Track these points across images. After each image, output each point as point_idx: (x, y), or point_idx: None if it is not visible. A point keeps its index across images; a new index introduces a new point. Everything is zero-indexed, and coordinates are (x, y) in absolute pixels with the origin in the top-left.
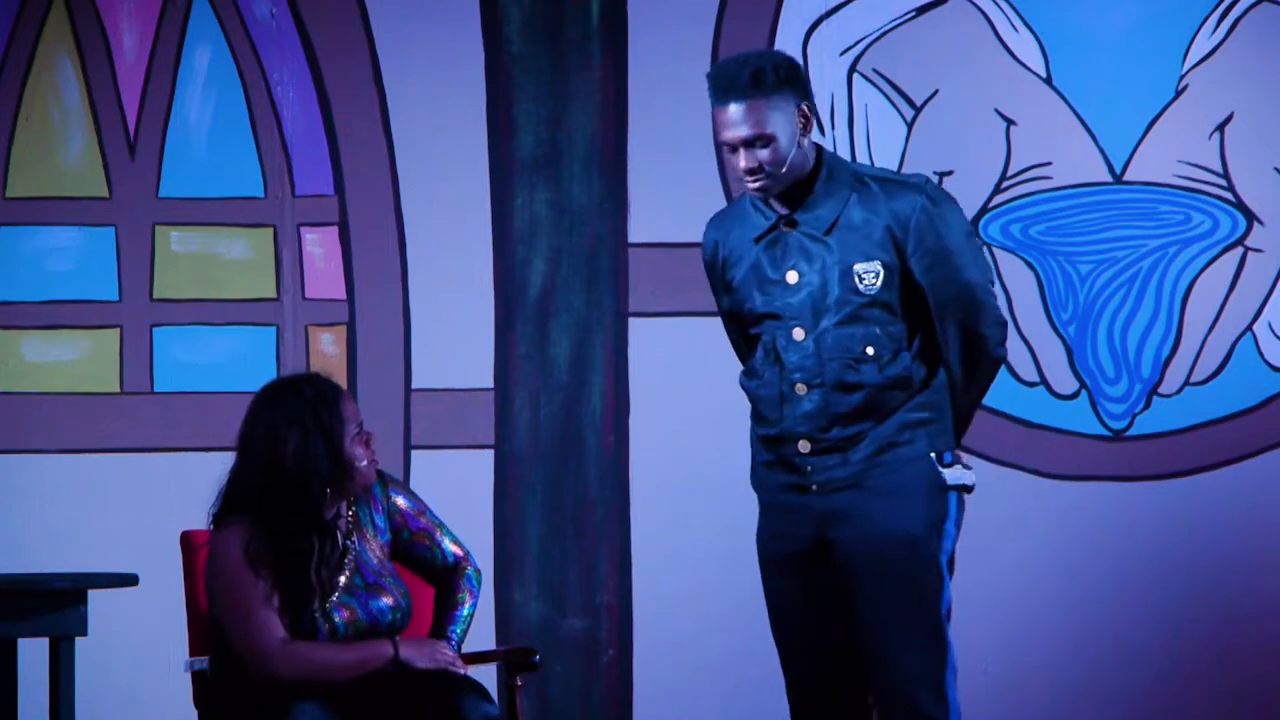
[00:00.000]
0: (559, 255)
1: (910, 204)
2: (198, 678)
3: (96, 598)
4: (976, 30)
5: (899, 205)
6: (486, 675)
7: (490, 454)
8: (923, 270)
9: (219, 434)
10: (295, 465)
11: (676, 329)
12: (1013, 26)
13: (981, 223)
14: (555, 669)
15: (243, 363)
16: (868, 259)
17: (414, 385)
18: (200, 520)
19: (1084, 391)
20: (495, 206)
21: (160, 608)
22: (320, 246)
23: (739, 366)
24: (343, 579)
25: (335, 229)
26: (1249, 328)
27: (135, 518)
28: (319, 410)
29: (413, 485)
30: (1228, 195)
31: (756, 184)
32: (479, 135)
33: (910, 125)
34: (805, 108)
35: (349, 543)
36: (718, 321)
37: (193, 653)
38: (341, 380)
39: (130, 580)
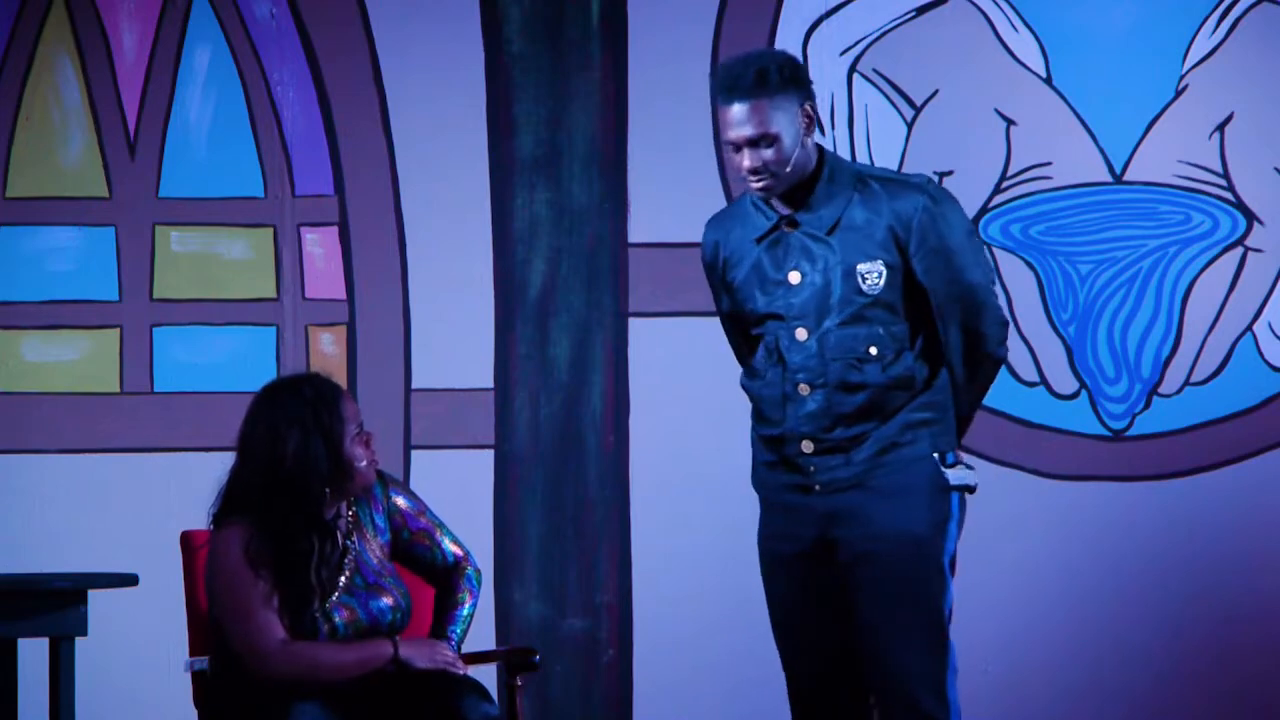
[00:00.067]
0: (559, 255)
1: (913, 204)
2: (198, 678)
3: (96, 598)
4: (976, 30)
5: (901, 205)
6: (486, 675)
7: (490, 454)
8: (925, 270)
9: (219, 434)
10: (295, 465)
11: (676, 329)
12: (1013, 26)
13: (981, 223)
14: (555, 669)
15: (243, 363)
16: (870, 259)
17: (414, 385)
18: (200, 520)
19: (1084, 391)
20: (495, 206)
21: (160, 608)
22: (320, 246)
23: (739, 366)
24: (343, 579)
25: (335, 229)
26: (1249, 328)
27: (135, 518)
28: (319, 410)
29: (413, 485)
30: (1228, 195)
31: (760, 184)
32: (479, 135)
33: (910, 125)
34: (809, 108)
35: (349, 543)
36: (718, 321)
37: (193, 653)
38: (341, 380)
39: (130, 580)
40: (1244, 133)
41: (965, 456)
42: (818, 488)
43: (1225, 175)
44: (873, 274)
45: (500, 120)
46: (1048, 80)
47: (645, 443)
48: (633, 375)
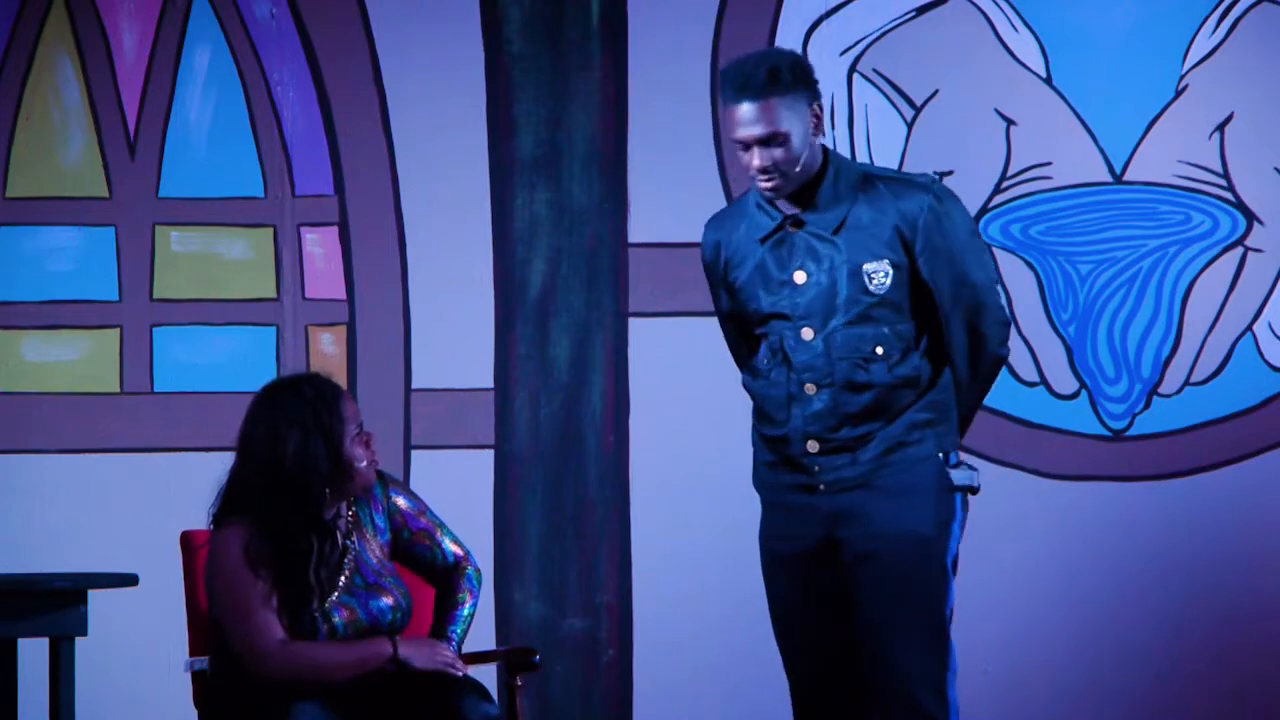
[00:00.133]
0: (559, 255)
1: (918, 203)
2: (198, 678)
3: (96, 598)
4: (976, 30)
5: (907, 205)
6: (486, 675)
7: (490, 454)
8: (930, 269)
9: (219, 434)
10: (295, 465)
11: (676, 329)
12: (1013, 26)
13: (982, 223)
14: (555, 669)
15: (243, 363)
16: (877, 259)
17: (414, 385)
18: (200, 520)
19: (1084, 391)
20: (495, 206)
21: (160, 608)
22: (320, 246)
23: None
24: (342, 579)
25: (335, 229)
26: (1249, 328)
27: (135, 518)
28: (319, 410)
29: (413, 485)
30: (1228, 195)
31: (770, 183)
32: (479, 135)
33: (910, 125)
34: (817, 107)
35: (349, 543)
36: (717, 321)
37: (193, 653)
38: (341, 380)
39: (130, 580)
40: (1244, 133)
41: (969, 457)
42: (822, 487)
43: (1225, 175)
44: (879, 273)
45: (500, 120)
46: (1048, 80)
47: (645, 443)
48: (633, 375)
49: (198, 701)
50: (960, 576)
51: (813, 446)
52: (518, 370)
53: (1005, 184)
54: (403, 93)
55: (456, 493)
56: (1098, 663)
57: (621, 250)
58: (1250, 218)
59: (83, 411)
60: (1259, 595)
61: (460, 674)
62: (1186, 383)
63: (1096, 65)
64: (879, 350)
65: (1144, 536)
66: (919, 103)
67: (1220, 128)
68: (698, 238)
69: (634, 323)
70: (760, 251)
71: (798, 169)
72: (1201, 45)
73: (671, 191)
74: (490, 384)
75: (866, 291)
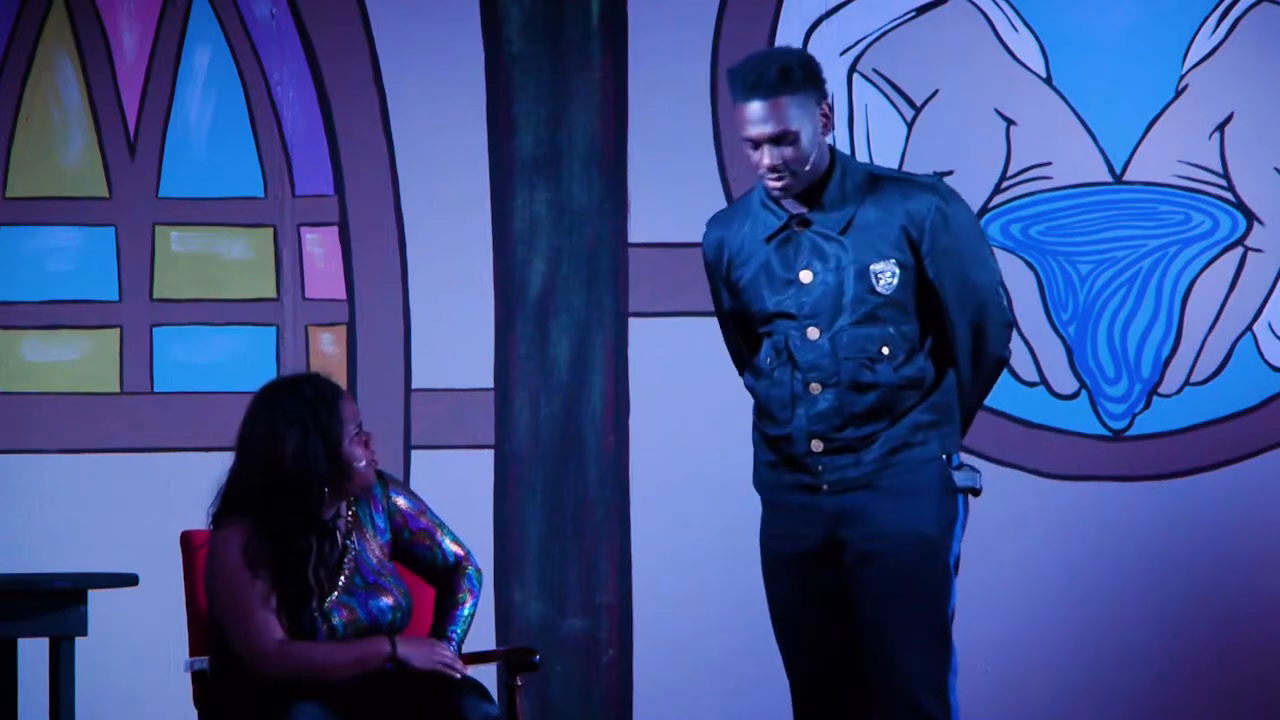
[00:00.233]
0: (559, 255)
1: (925, 204)
2: (198, 678)
3: (96, 598)
4: (976, 30)
5: (914, 205)
6: (486, 675)
7: (490, 454)
8: (935, 270)
9: (219, 434)
10: (294, 465)
11: (676, 329)
12: (1013, 26)
13: (982, 223)
14: (555, 669)
15: (243, 363)
16: (883, 258)
17: (414, 385)
18: (200, 520)
19: (1084, 391)
20: (495, 206)
21: (160, 608)
22: (320, 246)
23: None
24: (342, 579)
25: (335, 229)
26: (1249, 328)
27: (135, 518)
28: (318, 410)
29: (413, 485)
30: (1228, 195)
31: (779, 182)
32: (479, 135)
33: (910, 125)
34: (825, 106)
35: (349, 542)
36: (717, 321)
37: (193, 653)
38: (341, 380)
39: (130, 580)
40: (1244, 133)
41: (970, 459)
42: (825, 487)
43: (1225, 175)
44: (886, 273)
45: (500, 120)
46: (1048, 80)
47: (645, 443)
48: (633, 375)
49: (198, 701)
50: (961, 577)
51: (817, 446)
52: (518, 370)
53: (1005, 184)
54: (403, 93)
55: (456, 493)
56: (1098, 663)
57: (621, 250)
58: (1250, 218)
59: (83, 411)
60: (1259, 595)
61: (459, 675)
62: (1186, 383)
63: (1096, 65)
64: (885, 350)
65: (1144, 536)
66: (919, 103)
67: (1220, 128)
68: (698, 238)
69: (634, 323)
70: (766, 250)
71: (807, 168)
72: (1201, 45)
73: (671, 191)
74: (490, 384)
75: (874, 291)
